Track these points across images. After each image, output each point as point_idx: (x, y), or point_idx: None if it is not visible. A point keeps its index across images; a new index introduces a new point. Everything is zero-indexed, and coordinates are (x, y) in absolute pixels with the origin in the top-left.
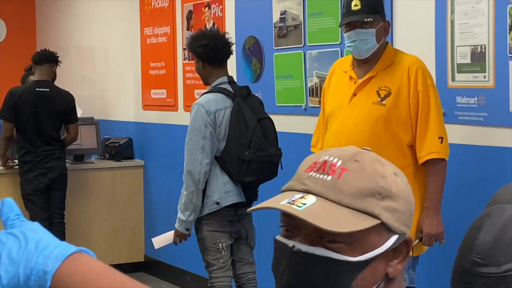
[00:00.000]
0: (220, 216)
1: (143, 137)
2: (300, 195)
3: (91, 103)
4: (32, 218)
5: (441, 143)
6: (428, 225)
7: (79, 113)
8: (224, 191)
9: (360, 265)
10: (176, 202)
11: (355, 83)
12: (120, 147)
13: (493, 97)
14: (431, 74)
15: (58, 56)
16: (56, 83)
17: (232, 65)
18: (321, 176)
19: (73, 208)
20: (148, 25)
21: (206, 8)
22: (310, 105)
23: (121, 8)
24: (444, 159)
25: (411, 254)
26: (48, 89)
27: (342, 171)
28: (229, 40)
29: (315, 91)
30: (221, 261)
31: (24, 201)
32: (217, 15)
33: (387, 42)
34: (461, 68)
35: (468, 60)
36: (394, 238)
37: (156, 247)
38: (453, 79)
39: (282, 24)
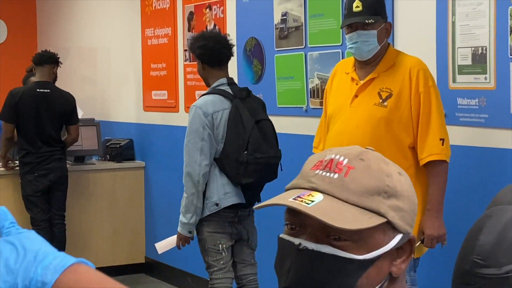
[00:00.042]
0: (220, 218)
1: (144, 138)
2: (308, 192)
3: (92, 104)
4: (33, 219)
5: (442, 144)
6: (430, 227)
7: (80, 114)
8: (223, 192)
9: (366, 263)
10: (177, 203)
11: (356, 84)
12: (121, 148)
13: (494, 99)
14: (432, 75)
15: (58, 57)
16: (57, 84)
17: (233, 66)
18: (328, 174)
19: (74, 209)
20: (149, 26)
21: (207, 9)
22: (311, 106)
23: (122, 9)
24: (445, 161)
25: (413, 255)
26: (48, 90)
27: (348, 169)
28: (229, 42)
29: (316, 93)
30: (221, 262)
31: (24, 202)
32: (218, 16)
33: (389, 43)
34: (462, 70)
35: (469, 61)
36: (398, 237)
37: (159, 252)
38: (454, 81)
39: (283, 26)
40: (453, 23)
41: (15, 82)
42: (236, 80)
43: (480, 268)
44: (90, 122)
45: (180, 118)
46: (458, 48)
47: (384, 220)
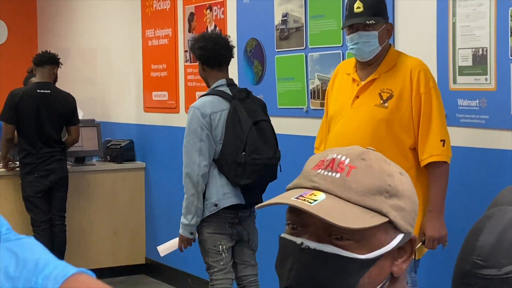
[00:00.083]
0: (220, 219)
1: (144, 139)
2: (310, 191)
3: (92, 105)
4: (33, 220)
5: (443, 145)
6: (431, 228)
7: (80, 115)
8: (222, 193)
9: (367, 263)
10: (177, 204)
11: (357, 85)
12: (121, 149)
13: (494, 100)
14: (433, 76)
15: (59, 58)
16: (57, 85)
17: (233, 67)
18: (330, 173)
19: (74, 210)
20: (150, 27)
21: (208, 10)
22: (312, 107)
23: (123, 10)
24: (446, 162)
25: (414, 256)
26: (49, 91)
27: (350, 169)
28: (229, 43)
29: (317, 94)
30: (222, 263)
31: (25, 203)
32: (218, 17)
33: (390, 44)
34: (463, 71)
35: (469, 62)
36: (400, 237)
37: (161, 255)
38: (454, 82)
39: (284, 27)
40: (454, 24)
41: (16, 82)
42: (236, 81)
43: (480, 268)
44: (90, 123)
45: (180, 119)
46: (458, 49)
47: (386, 219)
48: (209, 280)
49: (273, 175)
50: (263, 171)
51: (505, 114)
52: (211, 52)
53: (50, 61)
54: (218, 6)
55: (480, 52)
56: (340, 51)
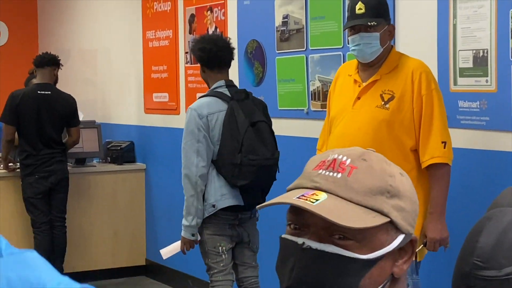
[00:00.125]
0: (220, 220)
1: (145, 141)
2: (312, 191)
3: (93, 106)
4: (33, 222)
5: (444, 147)
6: (432, 230)
7: (80, 117)
8: (220, 194)
9: (369, 263)
10: (178, 206)
11: (359, 86)
12: (121, 150)
13: (495, 102)
14: (435, 78)
15: (59, 59)
16: (58, 86)
17: (234, 68)
18: (331, 173)
19: (75, 211)
20: (150, 28)
21: (208, 12)
22: (312, 109)
23: (123, 11)
24: (447, 164)
25: (415, 258)
26: (49, 92)
27: (351, 169)
28: (229, 45)
29: (317, 95)
30: (221, 264)
31: (25, 204)
32: (219, 18)
33: (392, 46)
34: (463, 72)
35: (470, 64)
36: (401, 238)
37: (164, 258)
38: (455, 83)
39: (284, 28)
40: (454, 25)
41: (16, 84)
42: (237, 83)
43: (480, 270)
44: (91, 124)
45: (181, 121)
46: (459, 50)
47: (387, 219)
48: (209, 281)
49: (271, 176)
50: (260, 172)
51: (505, 115)
52: (210, 54)
53: (50, 62)
54: (219, 8)
55: (481, 54)
56: (340, 53)
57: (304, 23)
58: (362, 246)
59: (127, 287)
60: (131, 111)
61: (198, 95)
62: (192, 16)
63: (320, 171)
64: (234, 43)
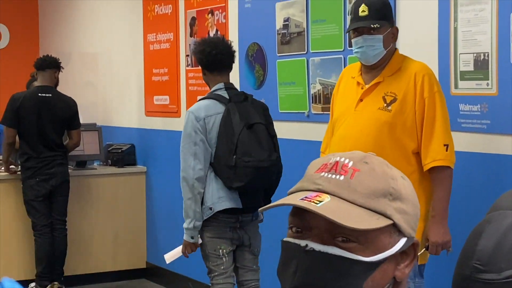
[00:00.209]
0: (220, 222)
1: (145, 144)
2: (315, 193)
3: (93, 109)
4: (34, 224)
5: (447, 150)
6: (434, 234)
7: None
8: (217, 196)
9: (372, 265)
10: (179, 209)
11: (362, 88)
12: (122, 153)
13: (496, 105)
14: (437, 81)
15: (60, 62)
16: (59, 89)
17: (235, 71)
18: (334, 176)
19: (75, 214)
20: (151, 31)
21: (209, 15)
22: (313, 112)
23: (124, 14)
24: (449, 167)
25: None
26: (50, 95)
27: (354, 171)
28: (229, 48)
29: (318, 98)
30: (222, 267)
31: (26, 207)
32: (220, 21)
33: (395, 48)
34: (464, 76)
35: (471, 67)
36: (403, 241)
37: (167, 262)
38: (456, 87)
39: (285, 31)
40: (455, 29)
41: (17, 86)
42: (238, 86)
43: (480, 273)
44: (91, 127)
45: (181, 123)
46: (460, 54)
47: (390, 222)
48: (210, 284)
49: (267, 178)
50: (256, 174)
51: (506, 119)
52: (209, 57)
53: (51, 65)
54: (220, 11)
55: (482, 57)
56: (341, 56)
57: (305, 26)
58: (365, 248)
59: None
60: (132, 113)
61: (199, 97)
62: (193, 19)
63: (323, 173)
64: (235, 46)
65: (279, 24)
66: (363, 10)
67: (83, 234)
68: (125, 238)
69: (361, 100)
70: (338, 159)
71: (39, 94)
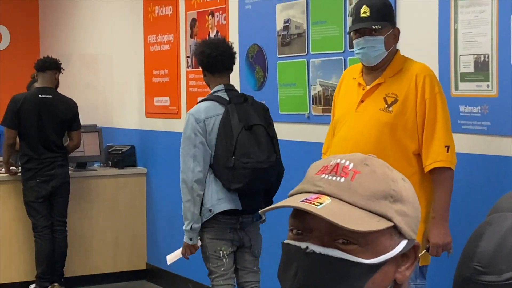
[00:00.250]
0: (220, 224)
1: (146, 145)
2: (315, 195)
3: (94, 110)
4: (34, 226)
5: (447, 151)
6: (435, 235)
7: None
8: (216, 198)
9: (372, 268)
10: (179, 210)
11: (363, 89)
12: (122, 154)
13: (496, 106)
14: (439, 82)
15: (60, 63)
16: (59, 90)
17: (235, 73)
18: (334, 178)
19: (76, 215)
20: (152, 32)
21: (210, 16)
22: (313, 113)
23: (125, 15)
24: (450, 168)
25: (418, 262)
26: (50, 96)
27: (354, 173)
28: (230, 49)
29: (319, 100)
30: (222, 269)
31: (26, 208)
32: (220, 23)
33: (397, 49)
34: (465, 77)
35: (471, 69)
36: (404, 243)
37: (168, 263)
38: (456, 88)
39: (286, 32)
40: (456, 30)
41: (18, 88)
42: (238, 87)
43: (480, 275)
44: (92, 128)
45: (182, 125)
46: (460, 55)
47: (391, 224)
48: (210, 285)
49: (266, 180)
50: (255, 175)
51: (507, 120)
52: (210, 58)
53: (51, 66)
54: (220, 12)
55: (482, 59)
56: (342, 57)
57: (305, 27)
58: (366, 250)
59: None
60: (132, 115)
61: (199, 99)
62: (194, 20)
63: (323, 175)
64: (235, 47)
65: (279, 25)
66: (364, 11)
67: (83, 236)
68: (126, 239)
69: (362, 101)
70: (338, 161)
71: (40, 96)
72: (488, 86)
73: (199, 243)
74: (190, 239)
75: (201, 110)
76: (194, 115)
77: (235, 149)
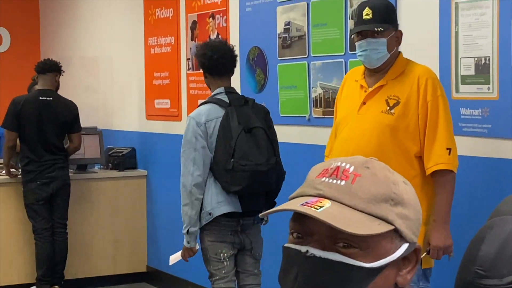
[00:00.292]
0: (221, 226)
1: (146, 147)
2: (316, 199)
3: (94, 112)
4: (35, 228)
5: (449, 154)
6: (436, 238)
7: None
8: (216, 201)
9: (373, 271)
10: (179, 212)
11: (365, 91)
12: (123, 157)
13: (497, 109)
14: (441, 85)
15: (61, 66)
16: (60, 92)
17: (236, 75)
18: (335, 181)
19: (76, 217)
20: (152, 35)
21: (210, 19)
22: (314, 115)
23: (125, 18)
24: (452, 171)
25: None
26: (51, 98)
27: (355, 176)
28: (231, 52)
29: (319, 102)
30: (223, 271)
31: (26, 210)
32: (221, 25)
33: (399, 52)
34: (465, 80)
35: (472, 71)
36: (405, 246)
37: (170, 264)
38: (457, 91)
39: (286, 35)
40: (456, 33)
41: (18, 90)
42: (238, 89)
43: (481, 279)
44: (92, 131)
45: (182, 127)
46: (461, 58)
47: (392, 227)
48: None
49: (266, 182)
50: (254, 178)
51: (507, 123)
52: (211, 61)
53: (52, 68)
54: (221, 15)
55: (483, 61)
56: (342, 60)
57: (306, 30)
58: (366, 254)
59: None
60: (133, 117)
61: (200, 101)
62: (194, 22)
63: (324, 178)
64: (236, 50)
65: (280, 28)
66: (367, 13)
67: (83, 238)
68: (126, 241)
69: (364, 103)
70: (339, 164)
71: (40, 98)
72: (488, 88)
73: (197, 246)
74: (188, 243)
75: (202, 113)
76: (195, 119)
77: (234, 152)
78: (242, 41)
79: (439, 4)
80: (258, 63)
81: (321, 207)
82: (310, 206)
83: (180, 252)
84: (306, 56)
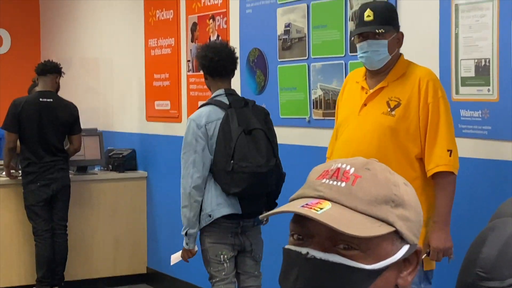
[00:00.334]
0: (221, 228)
1: (146, 149)
2: (316, 200)
3: (94, 114)
4: (35, 229)
5: (450, 156)
6: (436, 240)
7: None
8: (216, 203)
9: (374, 273)
10: (179, 214)
11: (366, 93)
12: (123, 158)
13: (497, 111)
14: (442, 86)
15: (61, 67)
16: (60, 94)
17: (236, 77)
18: (335, 182)
19: (76, 219)
20: (153, 36)
21: (211, 20)
22: (314, 117)
23: (126, 19)
24: (453, 173)
25: (422, 267)
26: (51, 100)
27: (356, 178)
28: (232, 54)
29: (319, 104)
30: (223, 273)
31: (27, 212)
32: (221, 27)
33: (400, 53)
34: (465, 82)
35: (472, 73)
36: (405, 248)
37: (171, 263)
38: (457, 92)
39: (287, 37)
40: (456, 34)
41: (18, 91)
42: (239, 91)
43: (482, 281)
44: (92, 132)
45: (183, 129)
46: (461, 60)
47: (392, 229)
48: None
49: (265, 184)
50: (254, 179)
51: (507, 125)
52: (211, 62)
53: (52, 70)
54: (221, 16)
55: (483, 63)
56: (342, 61)
57: (306, 31)
58: (367, 256)
59: None
60: (133, 119)
61: (200, 103)
62: (194, 24)
63: (324, 180)
64: (237, 53)
65: (280, 29)
66: (368, 15)
67: (83, 239)
68: (126, 243)
69: (365, 104)
70: (339, 165)
71: (40, 99)
72: (489, 90)
73: (196, 248)
74: (187, 244)
75: (202, 115)
76: (195, 121)
77: (234, 153)
78: (242, 42)
79: (439, 5)
80: (258, 64)
81: (321, 208)
82: (311, 208)
83: (180, 252)
84: (306, 57)
